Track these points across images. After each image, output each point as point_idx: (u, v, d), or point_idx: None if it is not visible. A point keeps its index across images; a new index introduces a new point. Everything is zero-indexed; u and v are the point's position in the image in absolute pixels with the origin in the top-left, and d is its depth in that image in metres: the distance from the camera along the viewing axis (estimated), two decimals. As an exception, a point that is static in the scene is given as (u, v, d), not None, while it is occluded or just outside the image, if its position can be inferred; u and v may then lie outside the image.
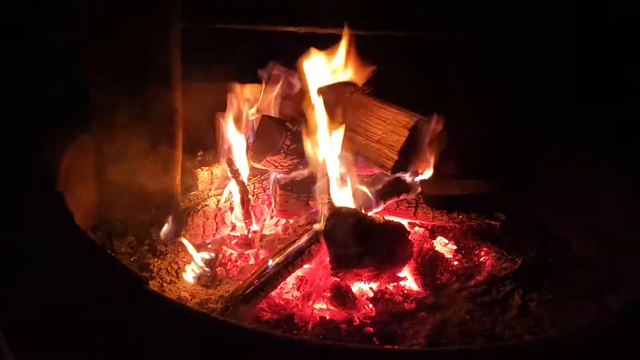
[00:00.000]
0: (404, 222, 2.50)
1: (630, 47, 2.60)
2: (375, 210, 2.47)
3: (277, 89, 2.69)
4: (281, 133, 2.59)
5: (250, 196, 2.62)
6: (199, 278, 2.35)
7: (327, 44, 2.53)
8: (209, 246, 2.57)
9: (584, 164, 2.63)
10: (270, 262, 2.24)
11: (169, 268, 2.40)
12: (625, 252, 2.26)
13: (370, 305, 2.22)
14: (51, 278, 1.71)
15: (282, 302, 2.23)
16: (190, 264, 2.42)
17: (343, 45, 2.52)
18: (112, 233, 2.49)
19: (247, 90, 2.78)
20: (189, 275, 2.37)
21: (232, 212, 2.62)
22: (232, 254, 2.53)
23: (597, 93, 2.67)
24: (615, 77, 2.64)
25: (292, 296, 2.26)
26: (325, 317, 2.13)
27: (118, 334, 1.53)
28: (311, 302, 2.21)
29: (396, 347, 1.95)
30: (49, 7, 2.58)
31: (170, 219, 2.53)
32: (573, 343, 1.60)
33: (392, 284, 2.31)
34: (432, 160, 2.41)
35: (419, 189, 2.48)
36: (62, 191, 2.06)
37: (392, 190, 2.47)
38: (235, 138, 2.73)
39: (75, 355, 1.50)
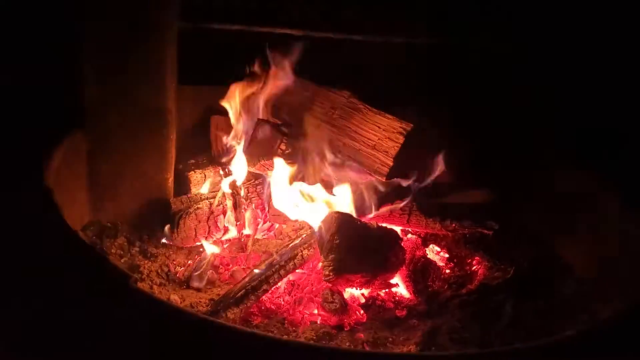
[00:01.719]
0: (397, 229, 2.49)
1: (629, 55, 2.62)
2: (368, 216, 2.46)
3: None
4: (276, 137, 2.58)
5: (243, 200, 2.62)
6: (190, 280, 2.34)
7: (322, 47, 2.54)
8: (201, 250, 2.55)
9: (579, 178, 2.64)
10: (262, 267, 2.23)
11: (159, 270, 2.38)
12: (616, 263, 2.27)
13: (362, 311, 2.21)
14: (38, 276, 1.69)
15: (273, 307, 2.22)
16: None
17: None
18: (102, 234, 2.47)
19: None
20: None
21: (224, 215, 2.60)
22: (224, 257, 2.51)
23: (596, 105, 2.69)
24: (616, 90, 2.66)
25: (284, 301, 2.25)
26: (316, 322, 2.12)
27: (106, 333, 1.51)
28: (302, 307, 2.20)
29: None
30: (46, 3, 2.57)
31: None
32: (564, 351, 1.59)
33: (383, 291, 2.30)
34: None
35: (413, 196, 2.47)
36: (52, 188, 2.04)
37: (386, 196, 2.46)
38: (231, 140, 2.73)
39: (63, 354, 1.48)
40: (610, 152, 2.52)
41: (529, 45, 2.64)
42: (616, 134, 2.59)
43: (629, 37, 2.57)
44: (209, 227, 2.57)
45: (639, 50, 2.56)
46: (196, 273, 2.35)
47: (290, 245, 2.31)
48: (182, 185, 2.80)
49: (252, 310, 2.17)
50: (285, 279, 2.27)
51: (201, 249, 2.56)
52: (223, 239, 2.59)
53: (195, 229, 2.54)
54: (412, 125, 2.32)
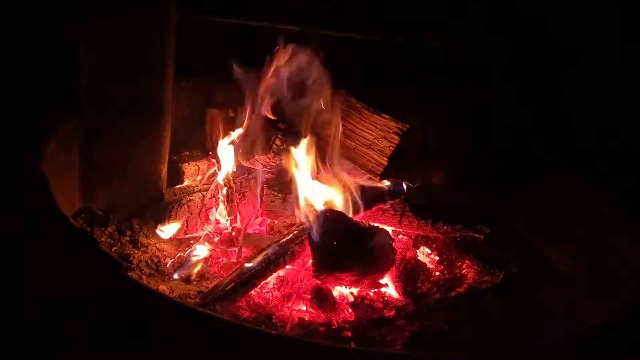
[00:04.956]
0: (389, 229, 2.49)
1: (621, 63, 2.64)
2: (360, 215, 2.46)
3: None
4: (271, 132, 2.58)
5: (236, 194, 2.61)
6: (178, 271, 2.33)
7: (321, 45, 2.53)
8: (191, 242, 2.55)
9: (570, 185, 2.65)
10: (252, 261, 2.22)
11: (149, 261, 2.37)
12: (605, 271, 2.28)
13: (350, 310, 2.21)
14: (28, 260, 1.68)
15: (261, 302, 2.21)
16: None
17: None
18: (93, 222, 2.46)
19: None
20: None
21: (216, 208, 2.60)
22: (214, 251, 2.50)
23: (585, 112, 2.70)
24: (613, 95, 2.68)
25: (272, 296, 2.24)
26: (304, 319, 2.12)
27: (93, 320, 1.50)
28: (291, 303, 2.20)
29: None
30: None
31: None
32: (551, 357, 1.60)
33: (372, 290, 2.30)
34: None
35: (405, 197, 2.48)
36: (46, 174, 2.03)
37: (379, 196, 2.47)
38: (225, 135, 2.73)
39: (49, 341, 1.48)
40: (603, 158, 2.54)
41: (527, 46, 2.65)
42: (611, 139, 2.61)
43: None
44: (201, 220, 2.56)
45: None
46: (185, 267, 2.35)
47: (281, 241, 2.31)
48: (175, 177, 2.79)
49: (240, 304, 2.16)
50: (274, 274, 2.27)
51: (192, 241, 2.55)
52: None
53: (186, 221, 2.54)
54: (408, 125, 2.33)
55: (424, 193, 2.54)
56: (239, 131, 2.75)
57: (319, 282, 2.21)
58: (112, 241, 2.42)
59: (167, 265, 2.37)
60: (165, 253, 2.45)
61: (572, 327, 2.05)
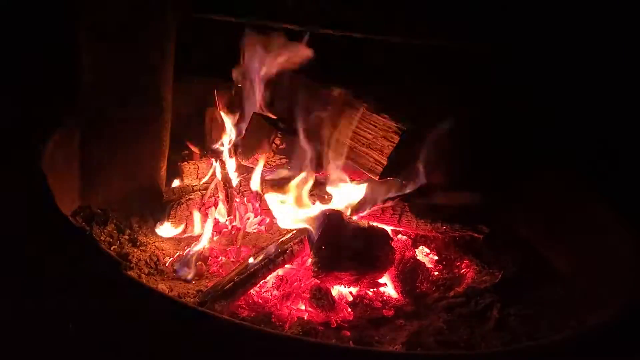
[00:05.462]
0: (388, 229, 2.49)
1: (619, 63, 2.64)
2: (359, 214, 2.46)
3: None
4: (271, 131, 2.58)
5: (235, 193, 2.62)
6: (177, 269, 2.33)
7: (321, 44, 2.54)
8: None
9: (570, 185, 2.65)
10: (252, 260, 2.22)
11: (148, 259, 2.37)
12: (603, 272, 2.28)
13: (349, 309, 2.20)
14: (27, 259, 1.68)
15: (260, 301, 2.21)
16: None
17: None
18: (92, 220, 2.46)
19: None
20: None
21: (216, 207, 2.60)
22: (213, 249, 2.50)
23: (582, 114, 2.71)
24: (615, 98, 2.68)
25: (271, 295, 2.24)
26: (303, 318, 2.12)
27: (92, 319, 1.50)
28: (290, 302, 2.20)
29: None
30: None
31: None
32: (549, 356, 1.60)
33: (371, 290, 2.30)
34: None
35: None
36: (46, 172, 2.03)
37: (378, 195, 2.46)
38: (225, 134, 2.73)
39: (50, 338, 1.48)
40: (603, 158, 2.54)
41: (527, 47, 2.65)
42: (611, 139, 2.61)
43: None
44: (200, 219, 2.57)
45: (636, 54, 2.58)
46: (183, 263, 2.35)
47: (281, 240, 2.31)
48: (175, 176, 2.79)
49: (239, 303, 2.16)
50: (274, 274, 2.27)
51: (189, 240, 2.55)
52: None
53: (185, 220, 2.54)
54: (407, 125, 2.33)
55: (423, 192, 2.53)
56: (238, 131, 2.76)
57: (318, 282, 2.21)
58: (111, 240, 2.42)
59: (167, 264, 2.37)
60: (164, 252, 2.45)
61: (572, 327, 2.06)
